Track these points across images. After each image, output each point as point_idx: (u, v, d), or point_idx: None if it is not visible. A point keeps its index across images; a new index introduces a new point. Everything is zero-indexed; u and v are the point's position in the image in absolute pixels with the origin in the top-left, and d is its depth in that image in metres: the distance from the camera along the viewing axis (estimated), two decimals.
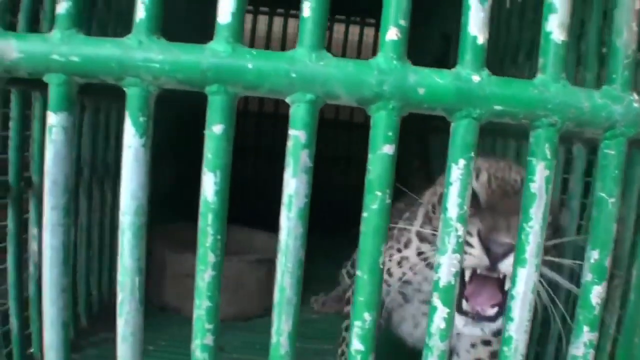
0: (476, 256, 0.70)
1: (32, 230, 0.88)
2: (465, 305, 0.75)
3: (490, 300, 0.74)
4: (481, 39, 0.48)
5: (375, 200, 0.48)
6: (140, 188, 0.49)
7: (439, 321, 0.50)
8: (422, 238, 0.86)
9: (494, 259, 0.68)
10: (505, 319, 0.51)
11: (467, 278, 0.76)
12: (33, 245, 0.88)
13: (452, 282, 0.50)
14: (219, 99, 0.48)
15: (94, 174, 1.06)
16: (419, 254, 0.86)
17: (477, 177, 0.77)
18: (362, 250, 0.49)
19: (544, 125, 0.49)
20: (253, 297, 1.19)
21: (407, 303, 0.97)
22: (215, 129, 0.48)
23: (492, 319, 0.74)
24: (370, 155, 0.49)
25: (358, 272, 0.50)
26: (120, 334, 0.51)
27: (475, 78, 0.48)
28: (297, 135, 0.48)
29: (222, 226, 0.49)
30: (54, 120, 0.50)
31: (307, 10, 0.48)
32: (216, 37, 0.48)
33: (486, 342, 0.91)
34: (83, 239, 1.03)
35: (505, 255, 0.68)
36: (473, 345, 0.94)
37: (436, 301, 0.50)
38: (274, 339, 0.50)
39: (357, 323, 0.50)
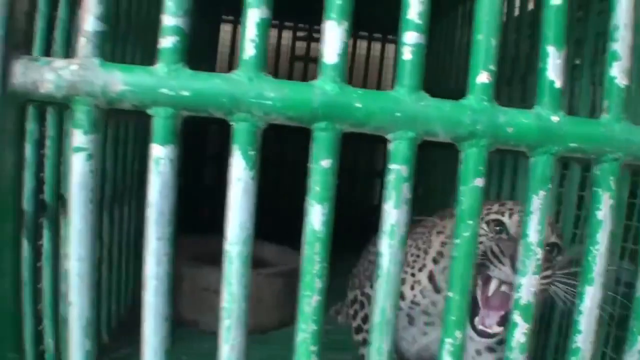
0: (504, 272, 0.83)
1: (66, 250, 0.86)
2: (476, 321, 0.88)
3: (499, 312, 0.85)
4: (558, 83, 0.54)
5: (467, 229, 0.53)
6: (249, 218, 0.51)
7: (519, 336, 0.55)
8: (436, 262, 0.95)
9: None
10: (572, 332, 0.57)
11: (493, 287, 0.86)
12: (66, 264, 0.86)
13: (531, 301, 0.55)
14: (327, 136, 0.51)
15: (115, 190, 1.04)
16: (430, 278, 0.96)
17: (510, 216, 0.90)
18: (453, 273, 0.54)
19: (608, 160, 0.55)
20: (270, 310, 1.20)
21: (411, 325, 1.05)
22: (323, 163, 0.51)
23: (495, 335, 0.88)
24: (461, 188, 0.53)
25: (449, 293, 0.54)
26: (225, 359, 0.53)
27: (554, 118, 0.54)
28: (398, 170, 0.52)
29: (328, 254, 0.52)
30: (161, 152, 0.51)
31: (407, 53, 0.52)
32: (322, 76, 0.51)
33: (491, 349, 1.00)
34: (105, 256, 1.02)
35: None
36: (478, 352, 1.02)
37: (517, 318, 0.55)
38: (375, 358, 0.53)
39: (449, 340, 0.54)
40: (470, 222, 0.53)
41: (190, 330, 1.14)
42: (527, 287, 0.55)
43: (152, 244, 0.52)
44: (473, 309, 0.88)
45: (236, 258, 0.52)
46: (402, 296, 1.03)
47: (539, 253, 0.55)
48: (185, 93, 0.50)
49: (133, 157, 1.15)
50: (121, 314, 1.13)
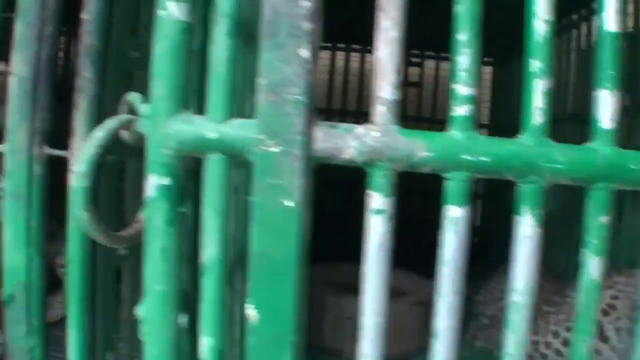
0: None
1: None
2: None
3: None
4: None
5: None
6: (536, 271, 0.56)
7: None
8: (606, 314, 1.05)
9: None
10: None
11: None
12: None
13: None
14: (604, 194, 0.56)
15: None
16: (599, 328, 1.05)
17: None
18: None
19: None
20: (411, 337, 1.23)
21: None
22: (601, 219, 0.56)
23: None
24: None
25: None
26: None
27: None
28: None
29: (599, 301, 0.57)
30: (459, 213, 0.55)
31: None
32: (598, 140, 0.56)
33: None
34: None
35: None
36: None
37: None
38: None
39: None
40: None
41: (333, 358, 1.16)
42: None
43: (448, 298, 0.55)
44: None
45: (523, 307, 0.56)
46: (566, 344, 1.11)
47: None
48: (485, 159, 0.54)
49: None
50: None
